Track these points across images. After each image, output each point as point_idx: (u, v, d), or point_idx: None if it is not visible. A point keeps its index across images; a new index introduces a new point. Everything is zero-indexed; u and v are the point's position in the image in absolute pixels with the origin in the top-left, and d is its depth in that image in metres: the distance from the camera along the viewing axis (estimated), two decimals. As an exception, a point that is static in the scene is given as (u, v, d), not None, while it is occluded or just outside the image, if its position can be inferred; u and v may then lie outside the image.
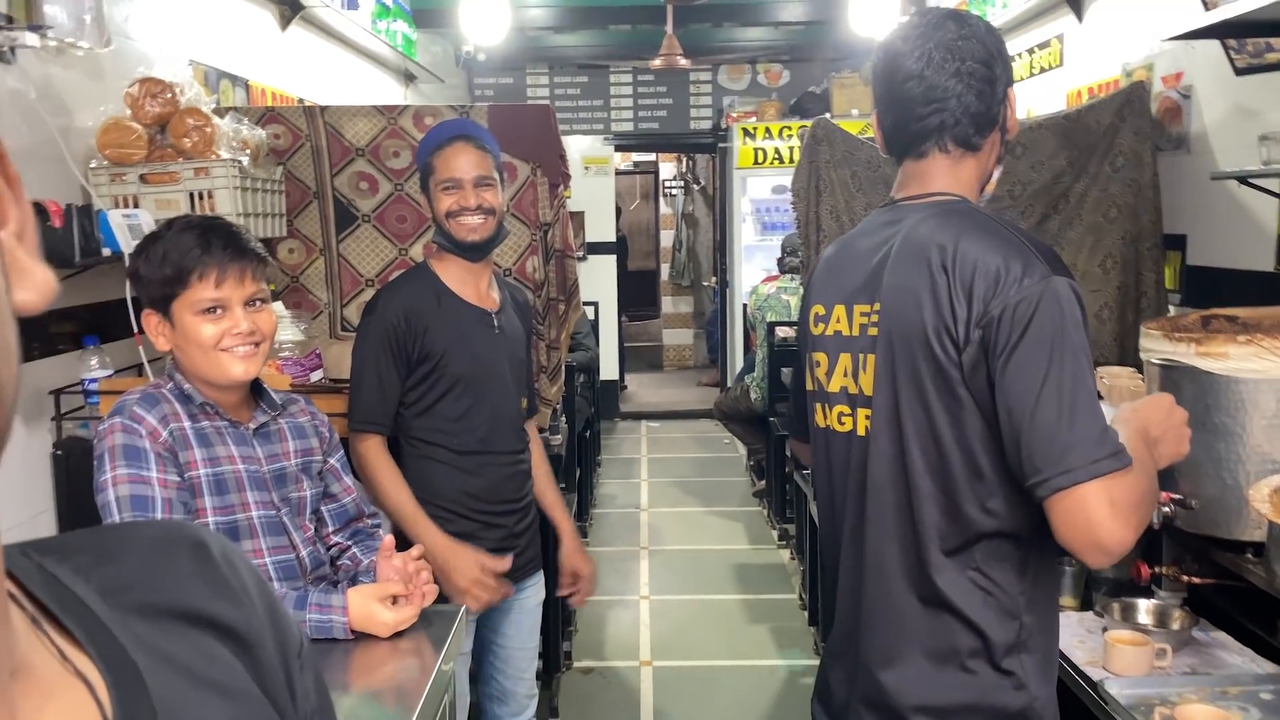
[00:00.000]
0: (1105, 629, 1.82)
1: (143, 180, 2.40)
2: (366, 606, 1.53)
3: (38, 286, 0.41)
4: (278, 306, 2.95)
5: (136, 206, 2.41)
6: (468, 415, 2.12)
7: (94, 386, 2.31)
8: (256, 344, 1.60)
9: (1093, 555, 1.17)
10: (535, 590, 2.32)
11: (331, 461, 1.79)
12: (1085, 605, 2.04)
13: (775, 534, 5.09)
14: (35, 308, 0.41)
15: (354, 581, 1.67)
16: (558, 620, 3.44)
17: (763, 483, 5.60)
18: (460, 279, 2.15)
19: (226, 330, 1.57)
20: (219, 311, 1.57)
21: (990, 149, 1.37)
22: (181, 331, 1.58)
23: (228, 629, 0.50)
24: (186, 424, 1.58)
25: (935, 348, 1.24)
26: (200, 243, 1.56)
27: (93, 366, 2.33)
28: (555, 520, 2.40)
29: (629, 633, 4.07)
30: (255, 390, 1.71)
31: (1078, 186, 3.21)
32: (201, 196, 2.44)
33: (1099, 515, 1.13)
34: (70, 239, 2.03)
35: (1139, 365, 2.33)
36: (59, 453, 2.30)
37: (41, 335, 2.29)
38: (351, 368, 2.15)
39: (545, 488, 2.39)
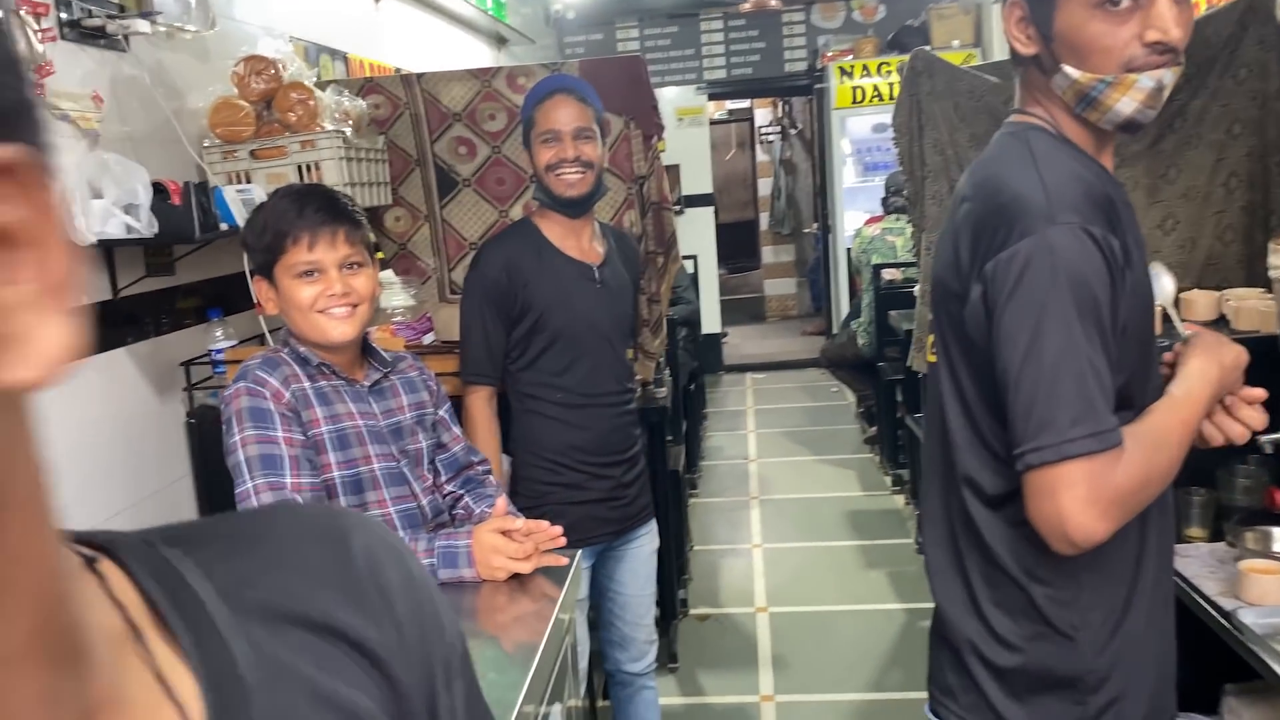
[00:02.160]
0: (1238, 558, 1.76)
1: (253, 156, 2.49)
2: (489, 540, 1.58)
3: (38, 360, 0.32)
4: (388, 274, 3.04)
5: (249, 181, 2.50)
6: (570, 369, 2.15)
7: (220, 357, 2.42)
8: (353, 305, 1.65)
9: (1057, 544, 1.07)
10: (649, 538, 2.35)
11: (441, 413, 1.85)
12: (1215, 536, 1.97)
13: (889, 480, 5.04)
14: (35, 385, 0.32)
15: None
16: (673, 569, 3.49)
17: (873, 429, 5.53)
18: (561, 234, 2.17)
19: (322, 292, 1.63)
20: (315, 275, 1.63)
21: (1049, 55, 1.16)
22: (283, 295, 1.65)
23: (358, 643, 0.44)
24: (306, 384, 1.65)
25: (953, 291, 1.18)
26: (295, 208, 1.62)
27: (218, 338, 2.44)
28: None
29: (743, 580, 4.10)
30: (366, 350, 1.77)
31: (1195, 104, 3.05)
32: (309, 168, 2.51)
33: (1065, 503, 1.04)
34: (190, 216, 2.12)
35: (1269, 286, 2.21)
36: (192, 421, 2.42)
37: (170, 310, 2.41)
38: (460, 322, 2.20)
39: None
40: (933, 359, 1.32)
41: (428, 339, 2.79)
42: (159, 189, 2.13)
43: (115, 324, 2.25)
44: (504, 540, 1.57)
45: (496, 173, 3.08)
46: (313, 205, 1.63)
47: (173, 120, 2.38)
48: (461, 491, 1.84)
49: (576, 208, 2.14)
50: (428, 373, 1.87)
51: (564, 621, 1.50)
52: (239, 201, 2.28)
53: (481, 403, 2.14)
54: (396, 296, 2.92)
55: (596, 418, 2.19)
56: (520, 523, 1.60)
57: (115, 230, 2.07)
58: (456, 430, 1.88)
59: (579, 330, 2.16)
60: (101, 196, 2.07)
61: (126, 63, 2.31)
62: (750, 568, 4.23)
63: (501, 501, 1.65)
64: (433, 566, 1.54)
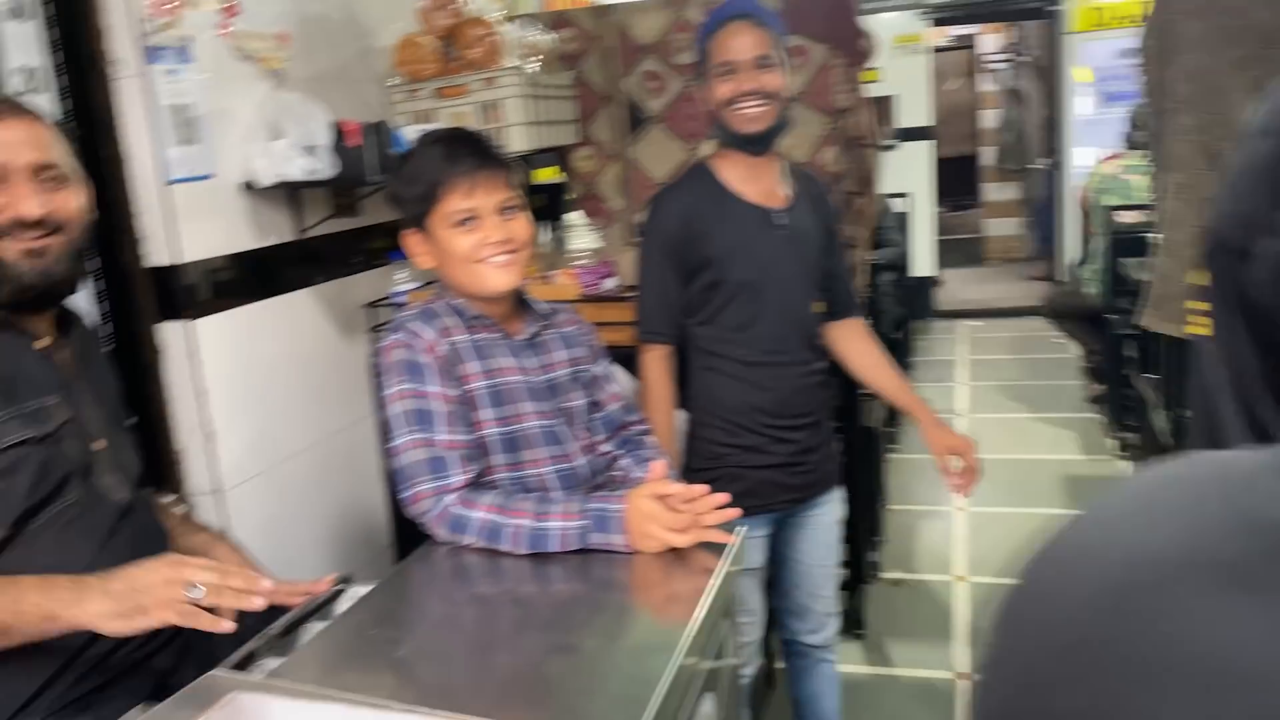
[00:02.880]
0: None
1: (436, 95, 2.45)
2: (644, 506, 1.45)
3: None
4: (575, 215, 2.96)
5: (432, 121, 2.46)
6: (752, 324, 1.99)
7: (402, 299, 2.41)
8: (513, 252, 1.57)
9: None
10: (831, 508, 2.18)
11: (598, 369, 1.75)
12: None
13: (1114, 444, 4.60)
14: None
15: None
16: (865, 530, 3.30)
17: (1100, 387, 5.06)
18: (742, 176, 2.00)
19: (481, 240, 1.55)
20: (472, 222, 1.55)
21: None
22: (440, 247, 1.57)
23: None
24: (463, 337, 1.58)
25: (1233, 246, 0.93)
26: (447, 153, 1.54)
27: (400, 280, 2.43)
28: (905, 406, 2.24)
29: (941, 545, 3.85)
30: (522, 301, 1.68)
31: None
32: (491, 107, 2.44)
33: None
34: (367, 156, 2.10)
35: None
36: (375, 361, 2.44)
37: (354, 251, 2.42)
38: (636, 274, 2.08)
39: (883, 377, 2.24)
40: (1198, 328, 1.07)
41: (609, 284, 2.69)
42: (338, 130, 2.11)
43: (301, 264, 2.27)
44: (659, 507, 1.44)
45: (687, 108, 2.92)
46: (465, 150, 1.55)
47: (358, 60, 2.36)
48: (618, 452, 1.74)
49: (759, 144, 1.96)
50: (586, 326, 1.78)
51: (720, 605, 1.37)
52: (417, 142, 2.24)
53: (657, 362, 2.02)
54: (581, 239, 2.84)
55: (779, 377, 2.03)
56: (678, 488, 1.47)
57: (296, 172, 2.07)
58: (614, 387, 1.78)
59: (762, 281, 1.99)
60: (283, 137, 2.07)
61: (316, 1, 2.30)
62: (950, 532, 3.97)
63: (659, 464, 1.52)
64: (584, 529, 1.44)
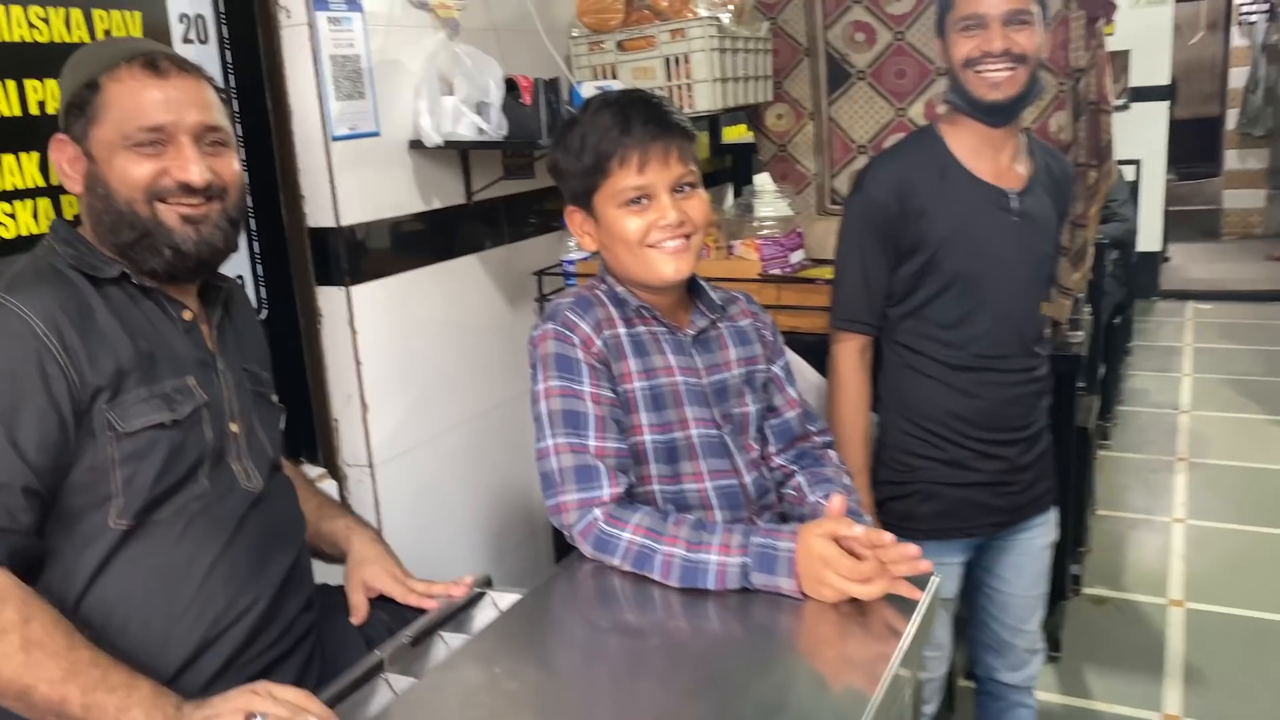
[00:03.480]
0: None
1: (619, 48, 2.26)
2: (818, 548, 1.23)
3: None
4: (763, 179, 2.74)
5: (614, 77, 2.28)
6: (965, 322, 1.72)
7: (572, 269, 2.26)
8: (687, 236, 1.37)
9: None
10: (1043, 531, 1.89)
11: (775, 369, 1.53)
12: None
13: (1370, 458, 4.01)
14: None
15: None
16: (1068, 538, 2.96)
17: (1356, 390, 4.42)
18: (974, 149, 1.71)
19: (653, 223, 1.36)
20: (644, 201, 1.36)
21: None
22: (605, 227, 1.39)
23: None
24: (622, 330, 1.40)
25: None
26: (619, 122, 1.34)
27: (571, 248, 2.28)
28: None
29: (1156, 562, 3.43)
30: (693, 290, 1.48)
31: None
32: (677, 61, 2.24)
33: None
34: (538, 117, 1.94)
35: None
36: (542, 333, 2.31)
37: (526, 215, 2.28)
38: (836, 252, 1.83)
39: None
40: None
41: (795, 257, 2.46)
42: (510, 86, 1.96)
43: (468, 229, 2.15)
44: (837, 551, 1.22)
45: (897, 63, 2.62)
46: (640, 117, 1.34)
47: (534, 12, 2.19)
48: (794, 467, 1.52)
49: (1001, 115, 1.67)
50: (763, 319, 1.56)
51: (906, 677, 1.14)
52: (595, 100, 2.06)
53: (852, 355, 1.77)
54: (768, 205, 2.61)
55: (991, 384, 1.75)
56: (860, 530, 1.24)
57: (465, 130, 1.93)
58: (792, 392, 1.55)
59: (983, 274, 1.70)
60: (453, 93, 1.93)
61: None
62: (1167, 547, 3.54)
63: (838, 500, 1.28)
64: (745, 568, 1.24)
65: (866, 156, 2.71)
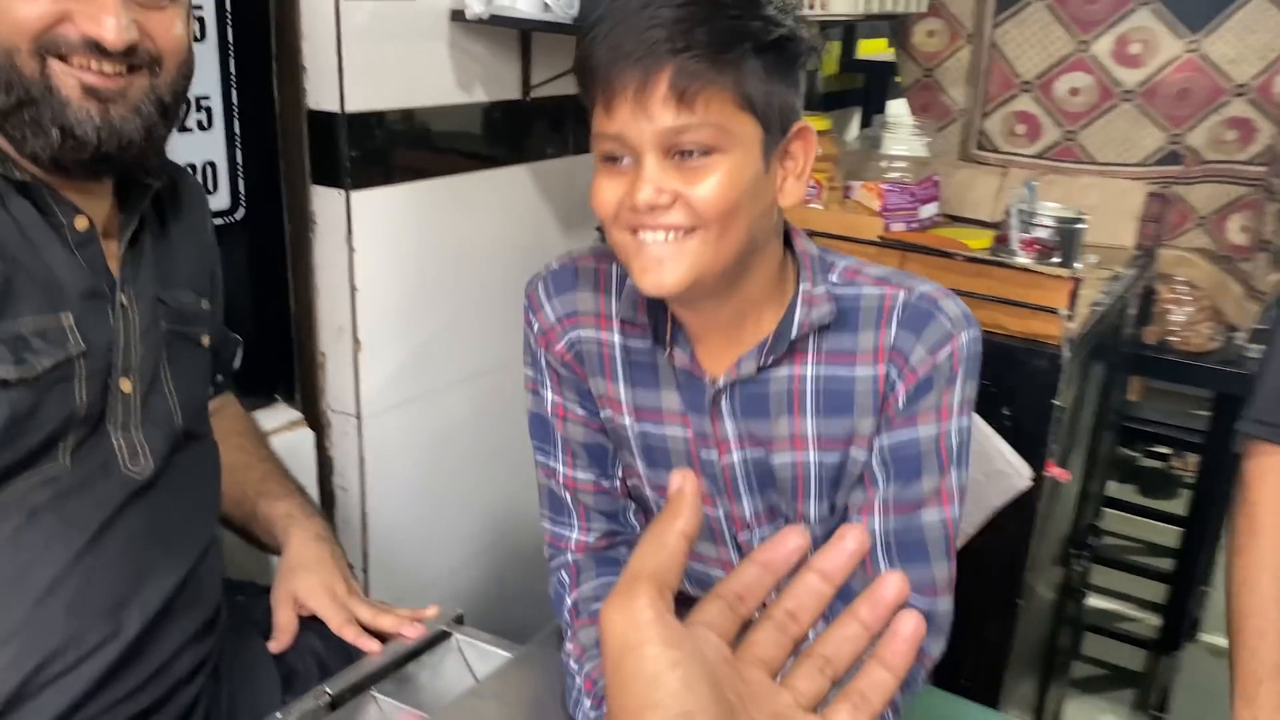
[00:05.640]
0: None
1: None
2: None
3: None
4: (898, 106, 2.25)
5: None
6: None
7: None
8: (682, 231, 0.85)
9: None
10: None
11: (884, 440, 0.95)
12: None
13: None
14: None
15: None
16: (1187, 572, 2.51)
17: None
18: None
19: (622, 198, 0.85)
20: (623, 162, 0.85)
21: None
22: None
23: None
24: (614, 337, 0.99)
25: None
26: (611, 16, 0.83)
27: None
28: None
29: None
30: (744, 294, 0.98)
31: None
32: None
33: None
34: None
35: None
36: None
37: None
38: (1263, 346, 1.20)
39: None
40: None
41: (927, 211, 1.97)
42: None
43: (521, 131, 1.72)
44: None
45: (1090, -17, 2.08)
46: (637, 12, 0.81)
47: None
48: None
49: None
50: (942, 355, 0.91)
51: None
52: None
53: (1273, 477, 1.15)
54: (901, 141, 2.13)
55: None
56: None
57: (526, 6, 1.49)
58: (878, 495, 0.95)
59: None
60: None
61: None
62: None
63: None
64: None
65: (1031, 96, 2.19)
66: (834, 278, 0.94)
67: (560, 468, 1.02)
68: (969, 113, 2.30)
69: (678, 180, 0.82)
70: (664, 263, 0.84)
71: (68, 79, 0.85)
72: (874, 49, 2.71)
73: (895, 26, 2.34)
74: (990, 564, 1.60)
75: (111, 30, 0.84)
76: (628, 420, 0.98)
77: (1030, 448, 1.49)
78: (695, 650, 0.40)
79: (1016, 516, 1.58)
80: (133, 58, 0.87)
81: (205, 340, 1.09)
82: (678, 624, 0.41)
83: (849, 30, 2.62)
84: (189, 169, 1.35)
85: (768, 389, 0.94)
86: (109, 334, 0.93)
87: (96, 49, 0.85)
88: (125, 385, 0.95)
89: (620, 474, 1.03)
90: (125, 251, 0.97)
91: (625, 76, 0.80)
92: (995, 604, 1.66)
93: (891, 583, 0.43)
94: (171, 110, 0.93)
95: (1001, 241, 1.68)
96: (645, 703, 0.38)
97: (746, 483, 0.98)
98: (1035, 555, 1.69)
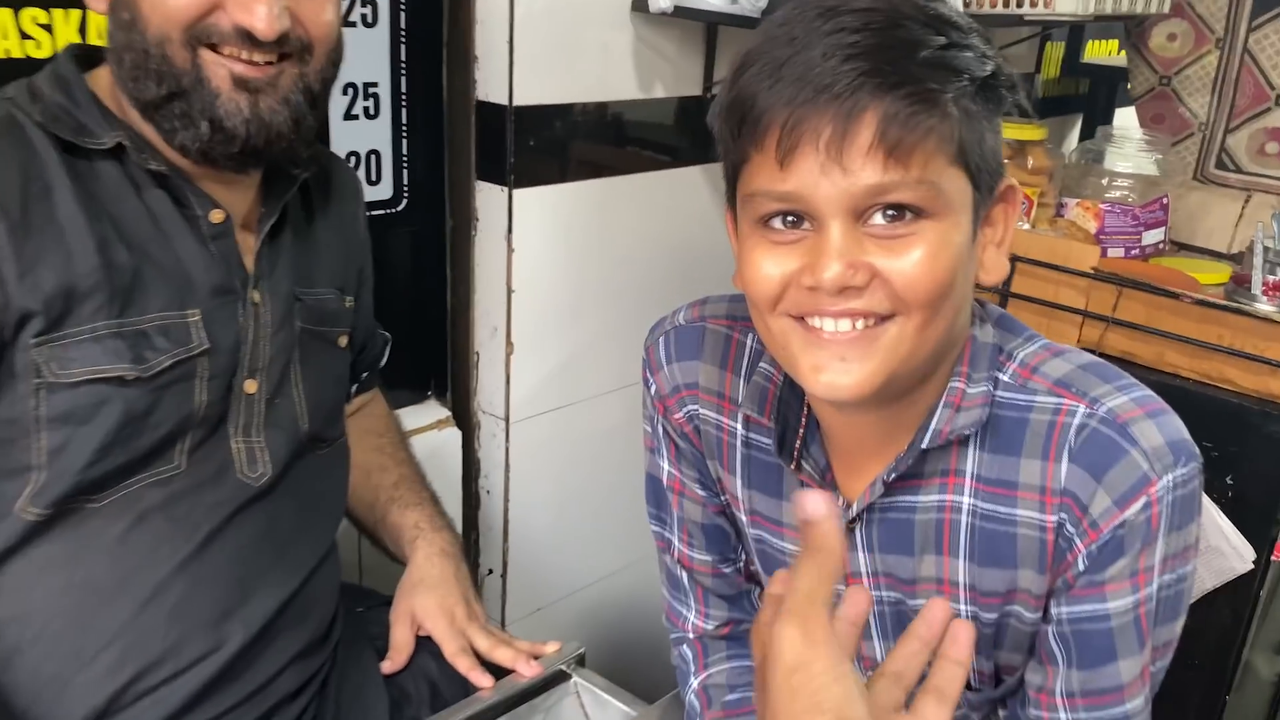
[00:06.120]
0: None
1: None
2: None
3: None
4: (1127, 117, 2.02)
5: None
6: None
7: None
8: (877, 320, 0.68)
9: None
10: None
11: (1064, 612, 0.73)
12: None
13: None
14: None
15: None
16: (1245, 603, 2.12)
17: None
18: None
19: (796, 275, 0.67)
20: (791, 225, 0.67)
21: None
22: (739, 253, 0.73)
23: None
24: (738, 426, 0.85)
25: None
26: (784, 44, 0.65)
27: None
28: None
29: None
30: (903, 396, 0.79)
31: None
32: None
33: None
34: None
35: None
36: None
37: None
38: None
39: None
40: None
41: (1151, 237, 1.76)
42: None
43: (702, 130, 1.61)
44: None
45: (1374, -18, 1.80)
46: (823, 41, 0.63)
47: None
48: None
49: None
50: (1075, 500, 0.70)
51: None
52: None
53: None
54: (1127, 157, 1.91)
55: None
56: None
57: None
58: (1072, 680, 0.74)
59: None
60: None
61: None
62: None
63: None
64: None
65: (1288, 110, 1.92)
66: (1005, 375, 0.74)
67: (676, 544, 0.92)
68: (1210, 127, 2.04)
69: (875, 253, 0.65)
70: (849, 360, 0.66)
71: (218, 69, 0.82)
72: (1103, 52, 2.47)
73: (1129, 27, 2.10)
74: (1195, 650, 1.39)
75: (263, 19, 0.80)
76: (744, 519, 0.86)
77: (1256, 524, 1.30)
78: (853, 671, 0.52)
79: (1231, 598, 1.37)
80: (284, 46, 0.84)
81: (343, 341, 1.05)
82: (839, 646, 0.53)
83: (1076, 32, 2.39)
84: (352, 157, 1.32)
85: (913, 517, 0.76)
86: (237, 332, 0.90)
87: (248, 38, 0.81)
88: (250, 386, 0.91)
89: (743, 559, 0.92)
90: (263, 246, 0.94)
91: (814, 119, 0.62)
92: (1199, 697, 1.45)
93: (937, 606, 0.57)
94: (320, 100, 0.90)
95: (1240, 282, 1.45)
96: (809, 705, 0.50)
97: (880, 626, 0.82)
98: (1254, 641, 1.47)
